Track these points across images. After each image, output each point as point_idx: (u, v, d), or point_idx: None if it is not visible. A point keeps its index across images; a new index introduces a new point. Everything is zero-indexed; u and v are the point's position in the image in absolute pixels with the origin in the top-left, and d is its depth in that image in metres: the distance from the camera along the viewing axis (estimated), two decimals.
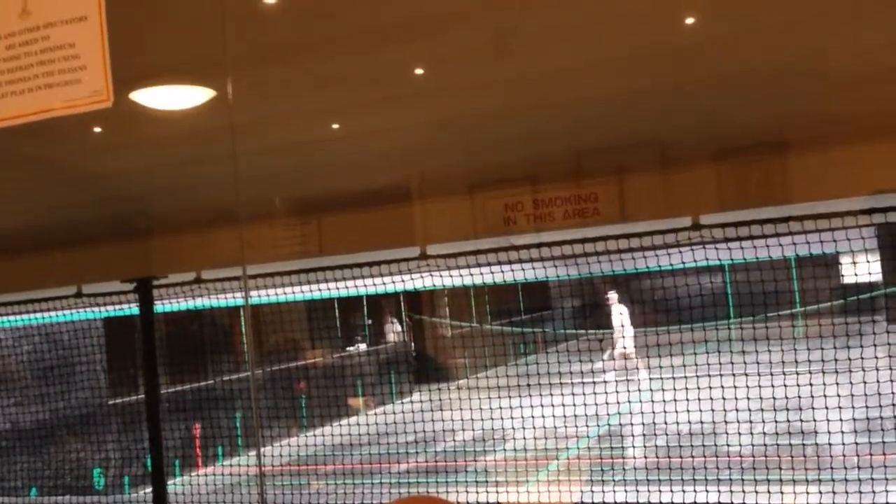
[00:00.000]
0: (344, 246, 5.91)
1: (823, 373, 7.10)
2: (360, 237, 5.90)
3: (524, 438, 9.59)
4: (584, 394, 8.09)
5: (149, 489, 6.76)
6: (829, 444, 6.58)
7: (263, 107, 3.95)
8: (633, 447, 11.15)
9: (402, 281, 6.06)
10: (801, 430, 7.13)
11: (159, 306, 6.56)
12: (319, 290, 6.22)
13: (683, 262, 6.02)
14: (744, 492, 6.20)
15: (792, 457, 8.84)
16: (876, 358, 6.80)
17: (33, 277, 6.78)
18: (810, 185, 4.95)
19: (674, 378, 8.08)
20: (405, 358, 20.60)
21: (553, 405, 8.02)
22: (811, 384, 6.94)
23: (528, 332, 23.78)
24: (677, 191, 5.20)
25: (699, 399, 7.62)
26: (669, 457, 9.05)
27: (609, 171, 5.25)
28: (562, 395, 8.26)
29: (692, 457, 7.72)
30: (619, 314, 19.59)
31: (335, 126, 4.50)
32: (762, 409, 7.05)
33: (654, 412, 12.15)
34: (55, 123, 2.06)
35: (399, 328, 20.23)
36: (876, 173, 4.82)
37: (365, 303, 20.50)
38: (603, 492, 8.62)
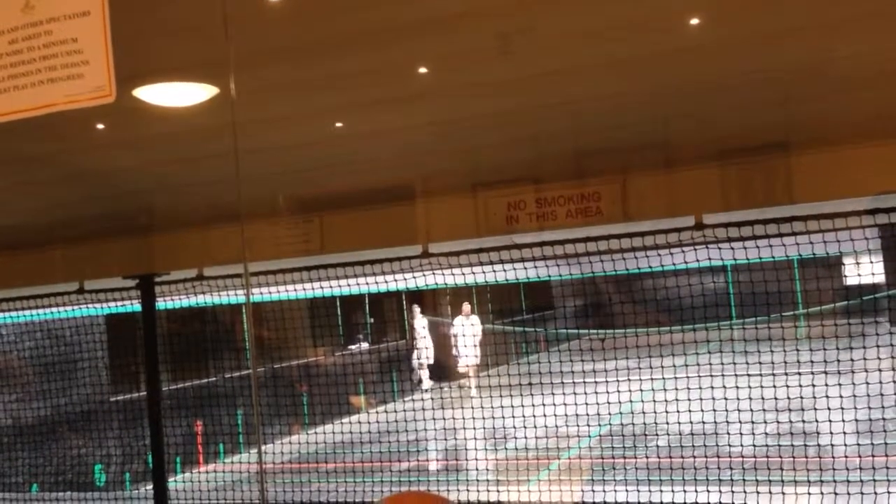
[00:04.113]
0: (346, 244, 5.91)
1: (826, 374, 7.10)
2: (363, 235, 5.89)
3: (526, 438, 9.60)
4: (585, 393, 8.08)
5: (150, 486, 6.77)
6: (832, 446, 6.57)
7: (266, 104, 3.94)
8: (635, 447, 11.14)
9: (405, 279, 6.06)
10: (804, 430, 7.14)
11: (161, 303, 6.56)
12: (321, 287, 6.23)
13: (686, 262, 6.02)
14: (745, 492, 6.20)
15: (794, 458, 8.83)
16: (878, 359, 6.79)
17: (35, 273, 6.79)
18: (814, 185, 4.94)
19: (675, 378, 8.08)
20: (407, 356, 20.61)
21: (555, 404, 8.02)
22: (813, 385, 6.93)
23: (531, 332, 23.78)
24: (680, 190, 5.19)
25: (701, 399, 7.62)
26: (671, 457, 9.04)
27: (612, 171, 5.25)
28: (563, 394, 8.25)
29: (694, 457, 7.71)
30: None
31: (338, 125, 4.50)
32: (764, 410, 7.05)
33: (655, 412, 12.15)
34: (58, 119, 2.06)
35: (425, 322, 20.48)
36: (880, 174, 4.81)
37: (367, 301, 20.51)
38: (604, 492, 8.61)
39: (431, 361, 20.15)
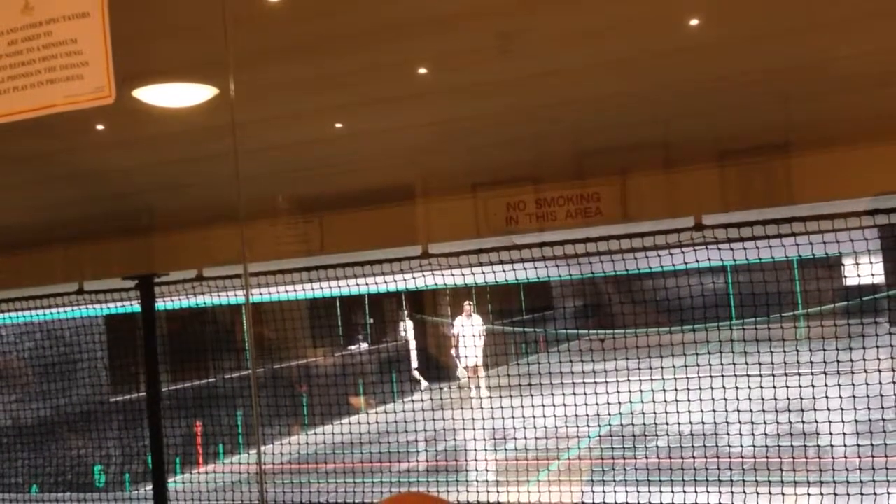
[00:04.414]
0: (346, 244, 5.91)
1: (825, 374, 7.10)
2: (362, 236, 5.89)
3: (525, 438, 9.60)
4: (585, 394, 8.08)
5: (149, 487, 6.76)
6: (831, 446, 6.57)
7: (266, 104, 3.94)
8: (635, 448, 11.14)
9: (404, 280, 6.06)
10: (803, 431, 7.15)
11: (161, 304, 6.56)
12: (321, 288, 6.23)
13: (686, 263, 6.02)
14: (745, 493, 6.20)
15: (793, 458, 8.83)
16: (878, 360, 6.79)
17: (35, 274, 6.78)
18: (813, 185, 4.94)
19: (675, 379, 8.09)
20: (406, 357, 20.63)
21: (555, 405, 8.01)
22: (813, 386, 6.93)
23: (531, 332, 23.79)
24: (680, 191, 5.19)
25: (701, 400, 7.62)
26: (671, 457, 9.04)
27: (612, 171, 5.25)
28: (563, 395, 8.25)
29: (693, 458, 7.71)
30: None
31: (338, 125, 4.50)
32: (764, 411, 7.05)
33: (655, 413, 12.14)
34: (57, 120, 2.06)
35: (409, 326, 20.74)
36: (879, 174, 4.81)
37: (367, 302, 20.51)
38: (604, 492, 8.61)
39: (416, 364, 20.26)
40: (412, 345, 20.37)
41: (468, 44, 3.39)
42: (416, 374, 20.14)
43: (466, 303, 19.62)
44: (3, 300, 7.25)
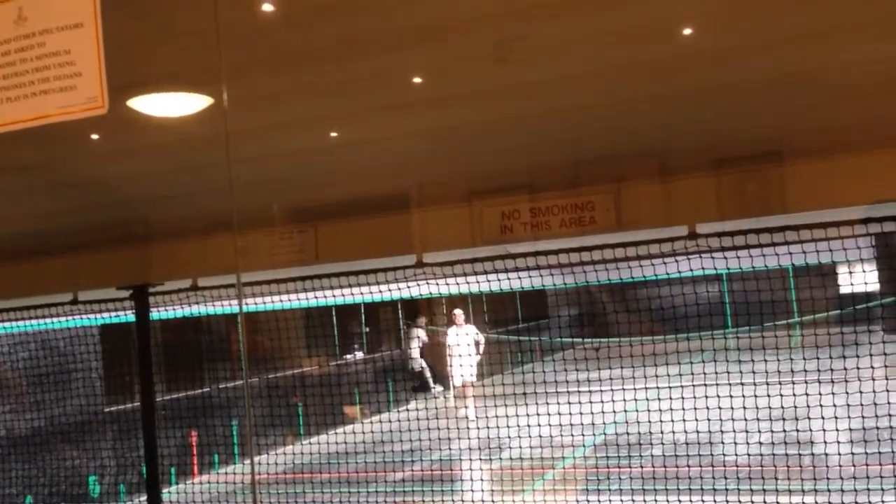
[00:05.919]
0: (340, 254, 5.91)
1: (820, 382, 7.10)
2: (357, 245, 5.90)
3: (521, 447, 9.59)
4: (580, 402, 8.07)
5: (144, 497, 6.74)
6: (826, 455, 6.58)
7: (261, 114, 3.95)
8: (630, 456, 11.13)
9: (399, 289, 6.06)
10: (798, 439, 7.15)
11: (155, 313, 6.54)
12: (316, 297, 6.22)
13: (680, 272, 6.02)
14: (739, 501, 6.20)
15: (788, 467, 8.83)
16: (872, 368, 6.80)
17: (29, 284, 6.77)
18: (808, 194, 4.95)
19: (670, 387, 8.09)
20: (403, 366, 20.61)
21: (550, 414, 8.00)
22: (807, 394, 6.93)
23: (526, 341, 23.77)
24: (674, 200, 5.21)
25: (696, 408, 7.62)
26: (666, 466, 9.03)
27: (606, 180, 5.26)
28: (558, 403, 8.24)
29: (689, 466, 7.71)
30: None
31: (333, 134, 4.50)
32: (759, 419, 7.06)
33: (650, 421, 12.14)
34: (52, 130, 2.06)
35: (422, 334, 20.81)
36: (873, 183, 4.83)
37: (362, 310, 20.49)
38: (599, 501, 8.60)
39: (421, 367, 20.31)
40: (416, 353, 20.38)
41: (462, 53, 3.40)
42: (427, 373, 20.07)
43: (455, 311, 17.88)
44: None
